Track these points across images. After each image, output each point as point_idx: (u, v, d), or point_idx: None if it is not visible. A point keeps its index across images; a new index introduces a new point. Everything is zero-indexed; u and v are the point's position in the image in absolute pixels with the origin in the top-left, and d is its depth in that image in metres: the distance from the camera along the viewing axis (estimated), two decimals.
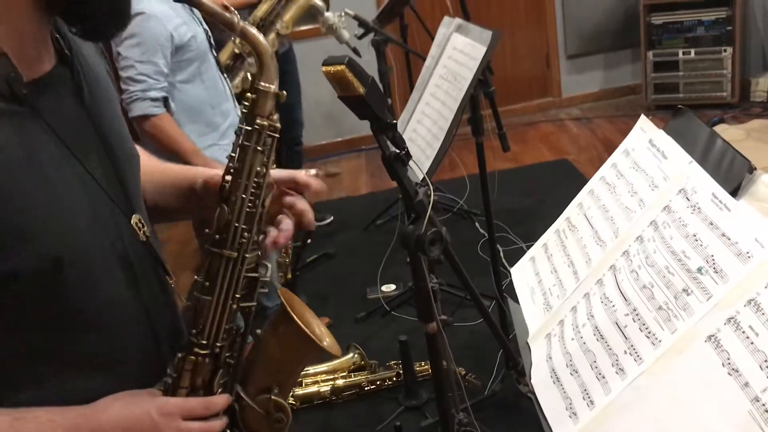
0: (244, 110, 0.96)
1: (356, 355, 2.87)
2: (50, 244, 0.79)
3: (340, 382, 2.78)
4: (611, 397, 0.89)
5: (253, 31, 0.94)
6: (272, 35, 3.32)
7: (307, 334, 1.01)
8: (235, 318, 0.98)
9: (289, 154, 4.03)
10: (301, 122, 4.14)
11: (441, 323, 1.82)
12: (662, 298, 0.90)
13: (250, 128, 0.95)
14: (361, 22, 3.00)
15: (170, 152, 2.39)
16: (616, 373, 0.90)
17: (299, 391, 2.76)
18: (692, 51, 4.91)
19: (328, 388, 2.76)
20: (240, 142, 0.95)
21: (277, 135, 0.96)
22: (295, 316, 1.01)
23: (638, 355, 0.89)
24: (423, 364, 2.70)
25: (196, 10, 2.53)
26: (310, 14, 3.33)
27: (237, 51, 3.32)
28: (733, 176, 0.93)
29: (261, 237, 0.98)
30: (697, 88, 4.96)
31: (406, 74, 4.30)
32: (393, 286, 3.44)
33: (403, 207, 2.94)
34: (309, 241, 3.70)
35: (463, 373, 2.62)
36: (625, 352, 0.91)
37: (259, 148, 0.95)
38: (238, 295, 0.96)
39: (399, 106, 3.38)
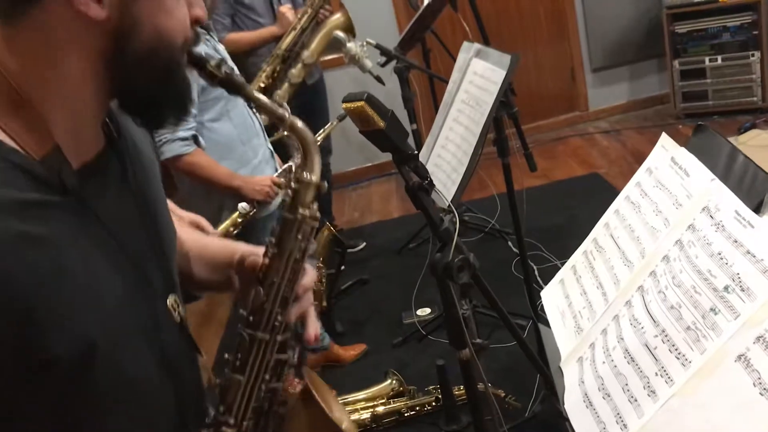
0: (286, 199, 0.99)
1: (395, 381, 2.87)
2: (86, 329, 0.81)
3: (380, 409, 2.78)
4: (644, 421, 0.88)
5: (301, 125, 0.98)
6: (299, 66, 3.38)
7: (329, 418, 1.04)
8: (261, 398, 1.00)
9: None
10: (329, 150, 4.19)
11: (476, 347, 1.82)
12: (690, 319, 0.90)
13: (291, 217, 0.98)
14: (383, 51, 3.03)
15: (208, 184, 2.45)
16: (648, 395, 0.90)
17: None
18: (719, 57, 4.86)
19: (368, 415, 2.76)
20: (280, 229, 0.98)
21: (316, 224, 1.00)
22: (319, 399, 1.04)
23: (669, 377, 0.88)
24: (462, 387, 2.69)
25: (221, 49, 2.58)
26: (333, 45, 3.38)
27: (263, 84, 3.38)
28: (756, 192, 0.93)
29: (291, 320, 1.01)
30: (726, 95, 4.91)
31: (430, 98, 4.34)
32: (428, 310, 3.43)
33: None
34: (343, 267, 3.72)
35: (503, 395, 2.60)
36: (656, 374, 0.90)
37: (299, 236, 0.98)
38: (267, 377, 0.98)
39: (425, 131, 3.41)
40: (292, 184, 0.99)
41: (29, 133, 0.80)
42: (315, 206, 0.99)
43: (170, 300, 0.96)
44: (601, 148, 5.13)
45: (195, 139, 2.44)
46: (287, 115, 0.97)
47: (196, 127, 2.44)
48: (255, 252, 1.07)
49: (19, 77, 0.79)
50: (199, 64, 0.92)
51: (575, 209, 4.08)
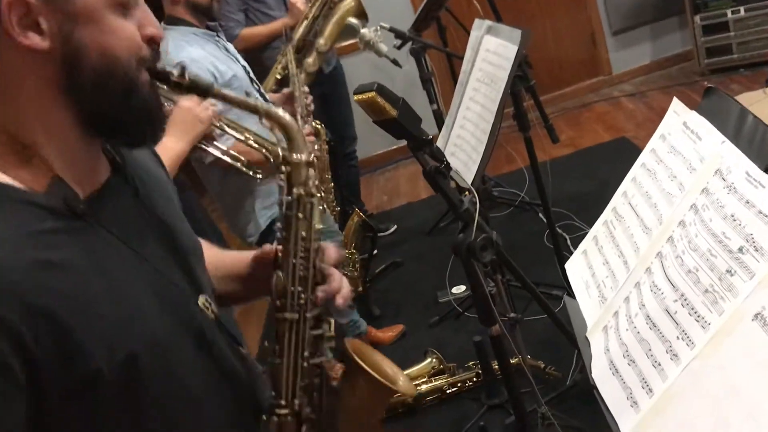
0: (281, 183, 1.02)
1: (434, 360, 2.91)
2: (124, 342, 0.85)
3: (422, 387, 2.82)
4: (668, 384, 0.90)
5: (277, 111, 1.00)
6: (314, 54, 3.40)
7: (380, 381, 1.07)
8: (309, 375, 1.03)
9: (344, 169, 4.11)
10: (354, 137, 4.22)
11: (510, 321, 1.85)
12: (707, 281, 0.91)
13: (290, 198, 1.02)
14: (398, 33, 3.03)
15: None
16: (671, 359, 0.92)
17: None
18: (741, 9, 4.75)
19: None
20: (284, 211, 1.02)
21: (314, 200, 1.03)
22: (366, 366, 1.07)
23: (690, 340, 0.90)
24: None
25: (231, 49, 2.61)
26: (347, 32, 3.40)
27: (278, 77, 3.41)
28: (766, 152, 0.93)
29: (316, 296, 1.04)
30: (751, 47, 4.80)
31: (449, 77, 4.32)
32: (463, 287, 3.45)
33: None
34: (375, 252, 3.76)
35: (542, 366, 2.62)
36: (678, 338, 0.92)
37: (300, 215, 1.02)
38: (306, 354, 1.02)
39: (445, 110, 3.41)
40: (284, 167, 1.02)
41: (27, 170, 0.84)
42: (311, 183, 1.02)
43: (201, 300, 1.00)
44: (628, 112, 5.07)
45: None
46: (259, 104, 1.00)
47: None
48: (267, 248, 1.11)
49: (4, 119, 0.83)
50: (163, 77, 0.94)
51: (605, 175, 4.05)
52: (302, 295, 1.02)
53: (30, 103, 0.84)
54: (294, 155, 1.01)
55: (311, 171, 1.03)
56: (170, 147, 2.00)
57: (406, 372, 2.87)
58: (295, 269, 1.02)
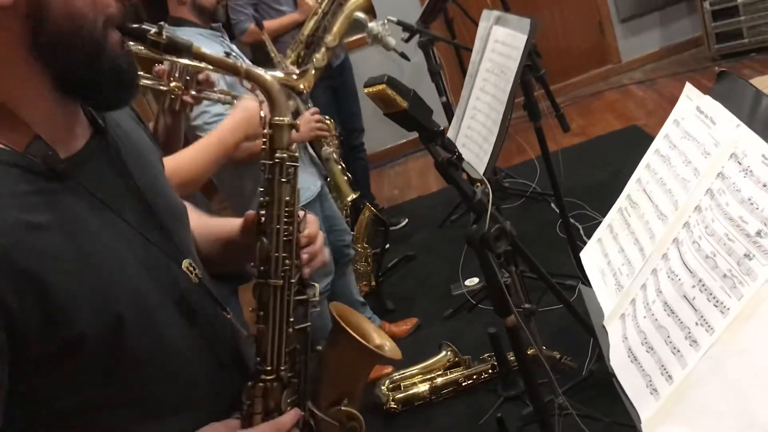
0: (264, 146, 1.01)
1: (449, 353, 2.91)
2: (108, 303, 0.85)
3: (437, 380, 2.82)
4: (688, 370, 0.90)
5: (258, 71, 0.99)
6: (322, 50, 3.40)
7: (363, 344, 1.06)
8: (293, 341, 1.03)
9: (352, 161, 4.11)
10: (361, 129, 4.21)
11: (525, 312, 1.84)
12: (725, 266, 0.90)
13: (271, 162, 1.00)
14: (405, 26, 3.03)
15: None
16: (690, 345, 0.91)
17: (399, 395, 2.82)
18: None
19: (426, 388, 2.81)
20: (266, 176, 1.01)
21: (297, 164, 1.01)
22: (349, 329, 1.06)
23: (709, 326, 0.89)
24: None
25: (235, 49, 2.60)
26: (355, 26, 3.39)
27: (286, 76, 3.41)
28: None
29: (299, 260, 1.03)
30: (762, 30, 4.75)
31: (458, 68, 4.31)
32: (476, 279, 3.45)
33: None
34: (387, 246, 3.76)
35: (558, 356, 2.61)
36: (696, 324, 0.91)
37: (283, 179, 1.00)
38: (291, 319, 1.01)
39: (455, 102, 3.40)
40: (265, 131, 1.00)
41: (6, 130, 0.83)
42: (293, 147, 1.00)
43: (185, 264, 0.99)
44: (638, 100, 5.05)
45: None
46: (239, 64, 0.98)
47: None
48: (251, 213, 1.09)
49: None
50: (139, 35, 0.91)
51: (617, 164, 4.03)
52: (287, 261, 1.00)
53: (2, 62, 0.82)
54: (276, 117, 0.99)
55: (294, 134, 1.00)
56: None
57: (421, 365, 2.88)
58: (279, 235, 1.00)
